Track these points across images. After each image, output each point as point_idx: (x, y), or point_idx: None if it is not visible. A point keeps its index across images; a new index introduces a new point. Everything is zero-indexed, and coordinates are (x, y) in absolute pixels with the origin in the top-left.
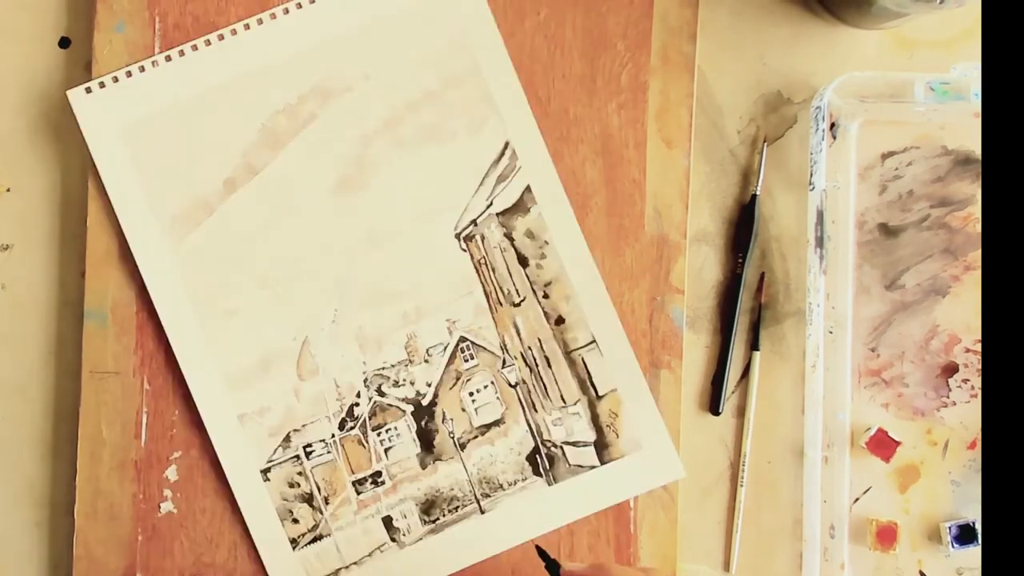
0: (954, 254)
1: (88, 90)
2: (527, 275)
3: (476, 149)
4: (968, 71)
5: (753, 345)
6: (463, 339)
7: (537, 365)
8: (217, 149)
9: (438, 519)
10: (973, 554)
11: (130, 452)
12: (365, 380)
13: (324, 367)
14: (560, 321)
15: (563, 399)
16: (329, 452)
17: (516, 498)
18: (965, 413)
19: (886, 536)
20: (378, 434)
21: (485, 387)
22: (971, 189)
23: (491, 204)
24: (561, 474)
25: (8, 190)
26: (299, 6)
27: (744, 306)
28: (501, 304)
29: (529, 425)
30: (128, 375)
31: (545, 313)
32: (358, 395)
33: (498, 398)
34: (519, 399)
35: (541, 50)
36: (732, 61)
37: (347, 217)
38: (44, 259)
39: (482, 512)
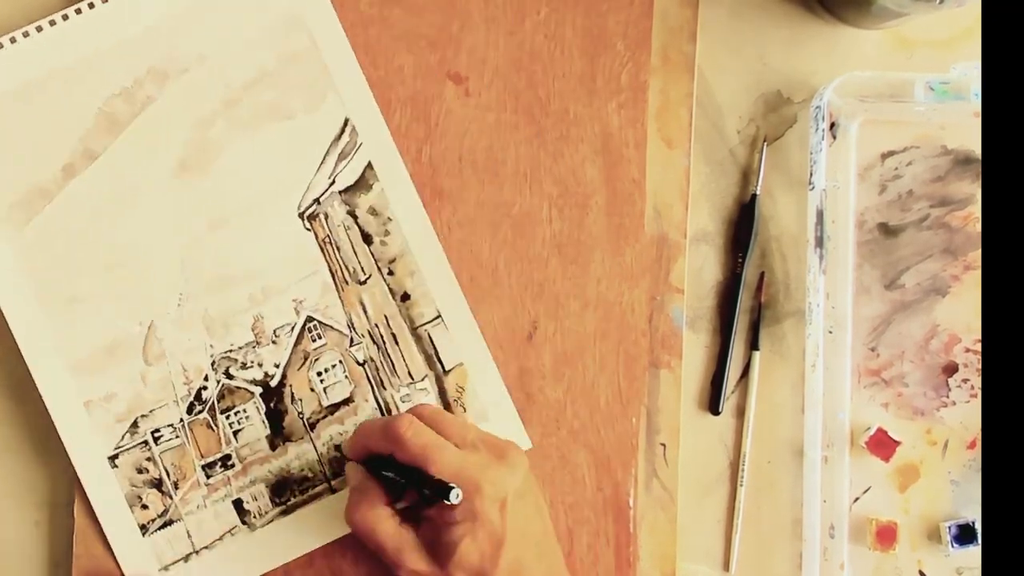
0: (954, 254)
1: None
2: (372, 252)
3: (316, 127)
4: (968, 71)
5: (753, 345)
6: (310, 319)
7: (384, 342)
8: (54, 135)
9: (289, 500)
10: (973, 554)
11: None
12: (213, 363)
13: (171, 351)
14: (406, 297)
15: (411, 375)
16: (178, 436)
17: None
18: (965, 413)
19: (886, 536)
20: (227, 417)
21: (333, 366)
22: (971, 189)
23: (333, 182)
24: None
25: None
26: None
27: (744, 306)
28: (347, 283)
29: (378, 402)
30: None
31: (391, 290)
32: (206, 378)
33: (347, 377)
34: (367, 377)
35: (541, 49)
36: (732, 61)
37: (189, 200)
38: None
39: (333, 491)
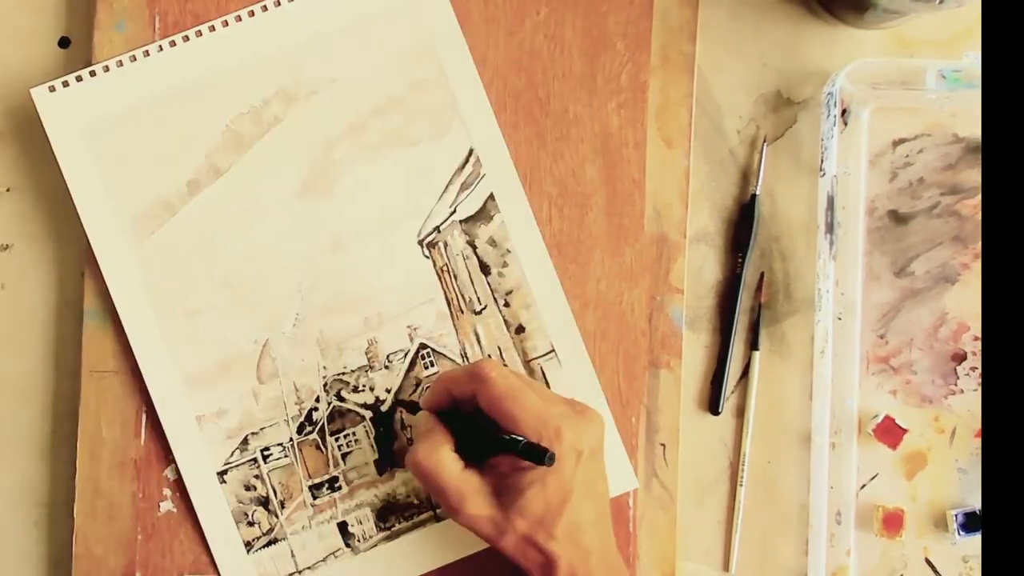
0: (964, 242)
1: (52, 88)
2: (488, 283)
3: (440, 155)
4: (980, 59)
5: (753, 345)
6: (423, 346)
7: None
8: (181, 150)
9: (394, 526)
10: (979, 542)
11: (130, 451)
12: (325, 385)
13: (284, 370)
14: (520, 330)
15: None
16: (286, 456)
17: None
18: (973, 401)
19: (892, 523)
20: (336, 439)
21: None
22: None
23: (454, 211)
24: None
25: (8, 190)
26: (264, 9)
27: (743, 306)
28: (462, 312)
29: None
30: (128, 374)
31: (506, 322)
32: (317, 399)
33: None
34: None
35: (541, 49)
36: (732, 61)
37: (310, 221)
38: (44, 259)
39: (438, 520)
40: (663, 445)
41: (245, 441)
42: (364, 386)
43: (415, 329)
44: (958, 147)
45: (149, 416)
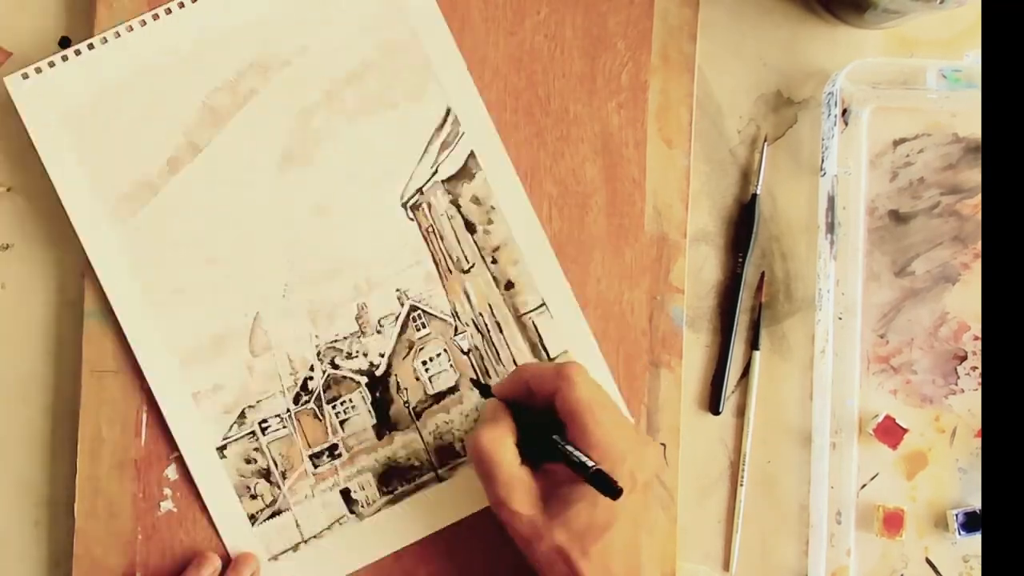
0: (964, 242)
1: (25, 76)
2: (475, 241)
3: (418, 117)
4: (980, 59)
5: (753, 345)
6: (414, 308)
7: (489, 331)
8: (159, 128)
9: (396, 489)
10: (979, 542)
11: (130, 451)
12: (318, 353)
13: (276, 342)
14: (510, 286)
15: (515, 363)
16: (285, 427)
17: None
18: (973, 401)
19: (893, 523)
20: (333, 407)
21: (438, 355)
22: None
23: (436, 171)
24: None
25: (8, 190)
26: None
27: (744, 305)
28: (451, 272)
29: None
30: (128, 374)
31: (494, 278)
32: (311, 369)
33: (451, 366)
34: (472, 365)
35: (541, 49)
36: (732, 61)
37: (293, 191)
38: (44, 259)
39: (440, 480)
40: (663, 445)
41: (242, 415)
42: (357, 352)
43: (404, 292)
44: (958, 147)
45: (150, 413)
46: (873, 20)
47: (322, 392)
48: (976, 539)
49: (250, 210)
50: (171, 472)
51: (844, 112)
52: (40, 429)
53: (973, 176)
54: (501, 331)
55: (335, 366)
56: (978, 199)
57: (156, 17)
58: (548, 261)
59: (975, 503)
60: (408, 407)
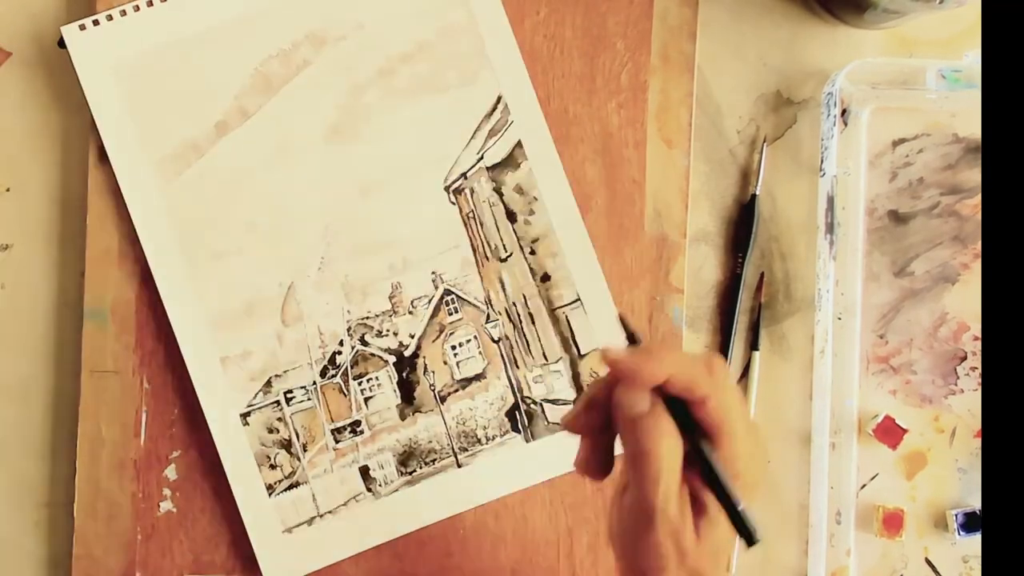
0: (963, 242)
1: (82, 27)
2: (515, 231)
3: (468, 102)
4: (980, 59)
5: (752, 345)
6: (448, 292)
7: (521, 321)
8: (210, 91)
9: (415, 471)
10: (979, 542)
11: (129, 451)
12: (349, 329)
13: (308, 314)
14: (546, 278)
15: (545, 356)
16: (309, 399)
17: (493, 453)
18: (973, 401)
19: (892, 523)
20: (359, 383)
21: (468, 341)
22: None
23: (482, 158)
24: (539, 431)
25: (8, 190)
26: None
27: (743, 306)
28: (488, 259)
29: (510, 381)
30: (128, 374)
31: (531, 269)
32: (341, 343)
33: (480, 352)
34: (501, 355)
35: (541, 49)
36: (732, 61)
37: (338, 165)
38: (44, 259)
39: (459, 466)
40: None
41: (268, 383)
42: (388, 331)
43: (440, 275)
44: (958, 147)
45: (150, 416)
46: (873, 20)
47: (349, 368)
48: (976, 539)
49: (294, 180)
50: (171, 472)
51: (844, 112)
52: (40, 429)
53: (973, 176)
54: (533, 323)
55: (364, 343)
56: (978, 199)
57: None
58: (587, 257)
59: (975, 503)
60: (434, 390)
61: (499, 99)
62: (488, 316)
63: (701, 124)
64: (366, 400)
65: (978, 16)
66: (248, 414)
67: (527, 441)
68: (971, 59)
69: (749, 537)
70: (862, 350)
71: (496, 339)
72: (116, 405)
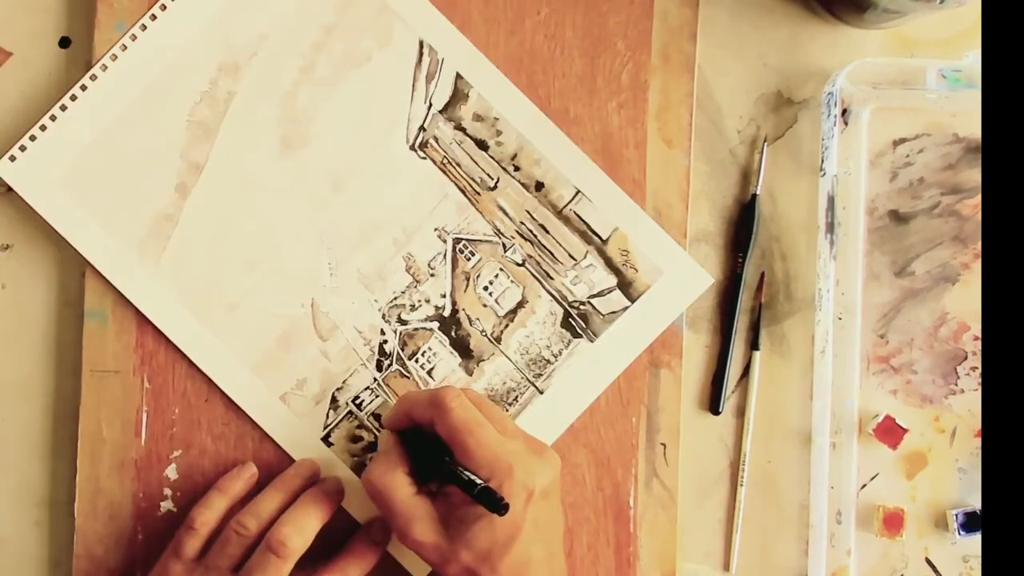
0: (964, 242)
1: (12, 158)
2: (491, 156)
3: (394, 60)
4: (980, 59)
5: (753, 345)
6: (457, 240)
7: (536, 236)
8: (156, 159)
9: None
10: (979, 542)
11: (130, 451)
12: (383, 316)
13: (340, 319)
14: (539, 186)
15: (572, 257)
16: (377, 396)
17: (567, 366)
18: (973, 401)
19: (893, 522)
20: (416, 360)
21: (496, 276)
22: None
23: (431, 104)
24: (599, 327)
25: (8, 190)
26: None
27: (744, 306)
28: (479, 193)
29: (551, 294)
30: (128, 374)
31: (522, 184)
32: (382, 332)
33: (512, 281)
34: (532, 274)
35: (541, 49)
36: (732, 61)
37: (302, 174)
38: (44, 259)
39: (540, 392)
40: (663, 445)
41: (334, 399)
42: (420, 301)
43: (443, 228)
44: (958, 147)
45: (151, 415)
46: (873, 20)
47: (400, 351)
48: (976, 539)
49: (269, 205)
50: (171, 472)
51: (844, 112)
52: (40, 429)
53: (973, 176)
54: (548, 232)
55: (403, 322)
56: (978, 199)
57: (115, 57)
58: (569, 150)
59: (975, 503)
60: (486, 335)
61: (421, 44)
62: (504, 245)
63: (701, 124)
64: (429, 372)
65: (978, 16)
66: (328, 436)
67: (591, 341)
68: (971, 59)
69: (496, 507)
70: (862, 350)
71: (520, 262)
72: (117, 405)
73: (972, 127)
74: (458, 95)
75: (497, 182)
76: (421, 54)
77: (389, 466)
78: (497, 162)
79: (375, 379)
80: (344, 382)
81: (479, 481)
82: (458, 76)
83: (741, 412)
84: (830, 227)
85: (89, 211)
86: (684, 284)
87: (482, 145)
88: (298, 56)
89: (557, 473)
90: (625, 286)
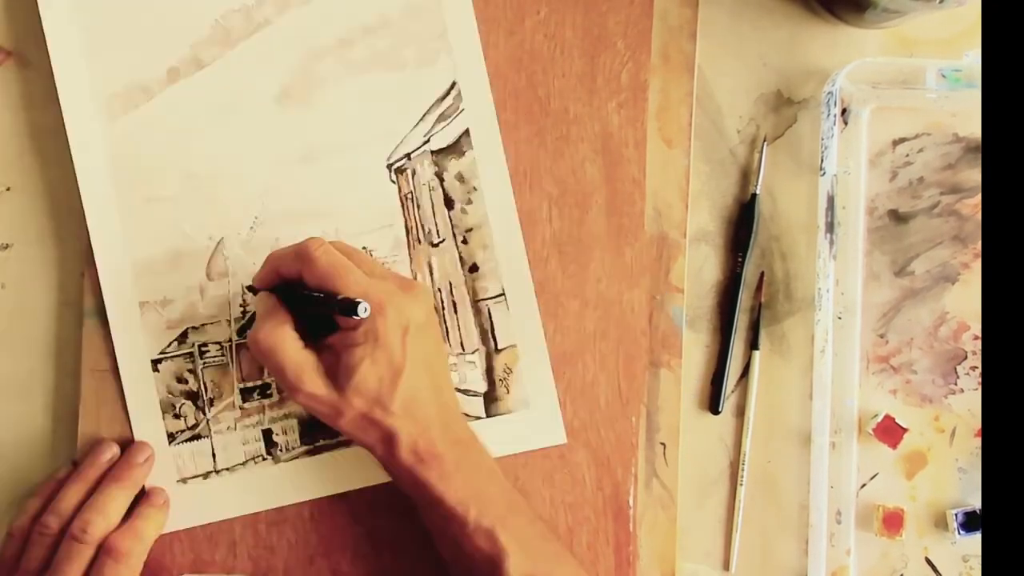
0: (964, 241)
1: None
2: (450, 217)
3: (423, 83)
4: (980, 59)
5: (753, 344)
6: None
7: (444, 308)
8: (167, 36)
9: (318, 442)
10: (979, 541)
11: None
12: None
13: (234, 271)
14: (474, 268)
15: (462, 346)
16: (223, 355)
17: None
18: (973, 400)
19: (892, 522)
20: None
21: None
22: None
23: (428, 141)
24: None
25: (8, 189)
26: None
27: (744, 305)
28: (420, 242)
29: None
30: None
31: (461, 258)
32: None
33: None
34: None
35: (541, 49)
36: (732, 61)
37: (284, 128)
38: (44, 259)
39: None
40: (663, 444)
41: (184, 334)
42: None
43: (370, 251)
44: (958, 147)
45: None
46: (873, 20)
47: None
48: (976, 539)
49: (238, 136)
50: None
51: (844, 112)
52: (40, 429)
53: (973, 176)
54: (456, 311)
55: None
56: (978, 199)
57: None
58: (517, 254)
59: (975, 503)
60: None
61: (453, 84)
62: None
63: (701, 124)
64: None
65: (978, 16)
66: (160, 361)
67: None
68: (971, 59)
69: (354, 309)
70: (862, 350)
71: None
72: (116, 404)
73: (972, 127)
74: (456, 148)
75: (442, 242)
76: (448, 93)
77: (275, 323)
78: (452, 225)
79: (230, 339)
80: (203, 326)
81: (335, 295)
82: (466, 132)
83: (741, 412)
84: (830, 227)
85: (85, 43)
86: (540, 429)
87: (449, 203)
88: (344, 28)
89: (431, 306)
90: (490, 400)
